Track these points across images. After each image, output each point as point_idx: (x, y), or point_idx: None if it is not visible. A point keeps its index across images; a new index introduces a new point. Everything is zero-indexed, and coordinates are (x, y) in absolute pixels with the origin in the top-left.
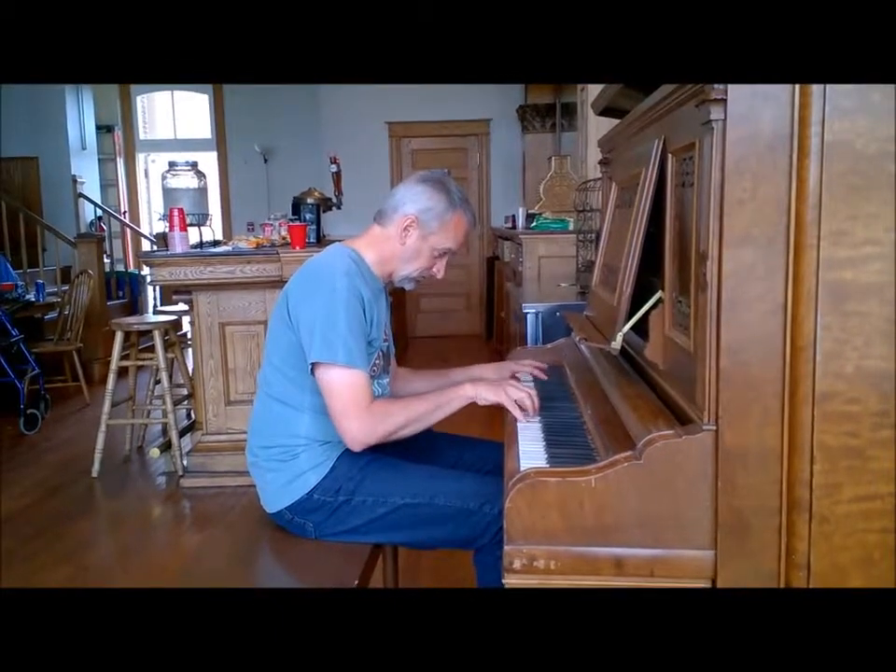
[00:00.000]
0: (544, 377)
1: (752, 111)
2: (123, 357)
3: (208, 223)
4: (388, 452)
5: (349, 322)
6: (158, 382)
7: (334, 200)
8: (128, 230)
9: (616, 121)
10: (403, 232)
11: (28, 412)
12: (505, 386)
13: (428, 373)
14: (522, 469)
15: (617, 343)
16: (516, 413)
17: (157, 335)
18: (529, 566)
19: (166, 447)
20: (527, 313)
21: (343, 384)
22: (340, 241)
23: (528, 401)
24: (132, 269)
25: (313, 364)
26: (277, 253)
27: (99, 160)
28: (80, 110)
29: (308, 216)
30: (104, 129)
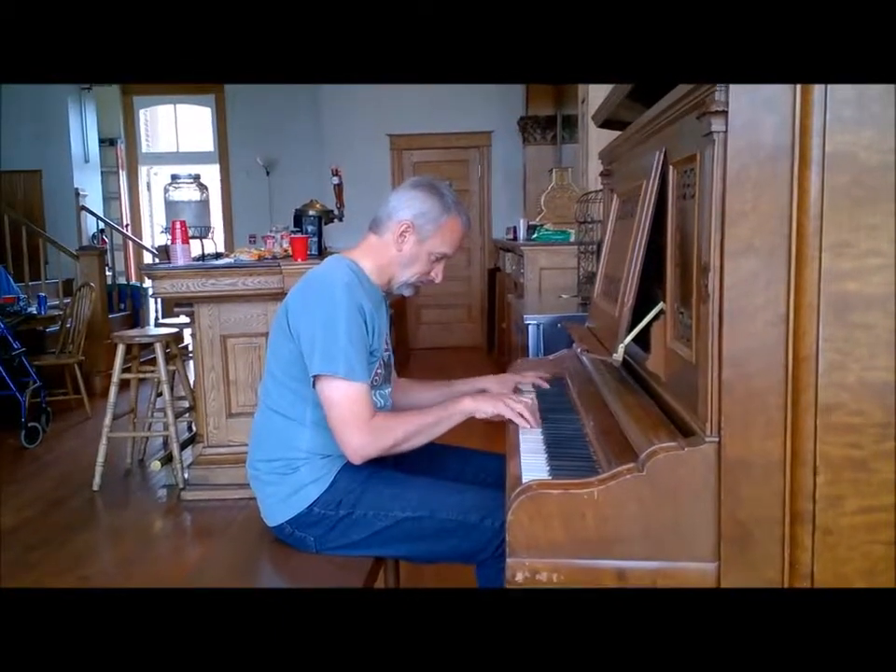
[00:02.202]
0: (546, 385)
1: (753, 122)
2: (125, 370)
3: (210, 235)
4: (389, 465)
5: (349, 333)
6: (159, 394)
7: (336, 212)
8: (130, 242)
9: (617, 133)
10: (399, 238)
11: (29, 425)
12: (504, 398)
13: (430, 384)
14: (524, 481)
15: (619, 355)
16: (519, 420)
17: (158, 348)
18: (532, 578)
19: (167, 460)
20: (529, 324)
21: (344, 396)
22: (339, 253)
23: (527, 412)
24: (133, 281)
25: (314, 377)
26: (279, 265)
27: (101, 173)
28: (83, 123)
29: (310, 228)
30: (106, 142)
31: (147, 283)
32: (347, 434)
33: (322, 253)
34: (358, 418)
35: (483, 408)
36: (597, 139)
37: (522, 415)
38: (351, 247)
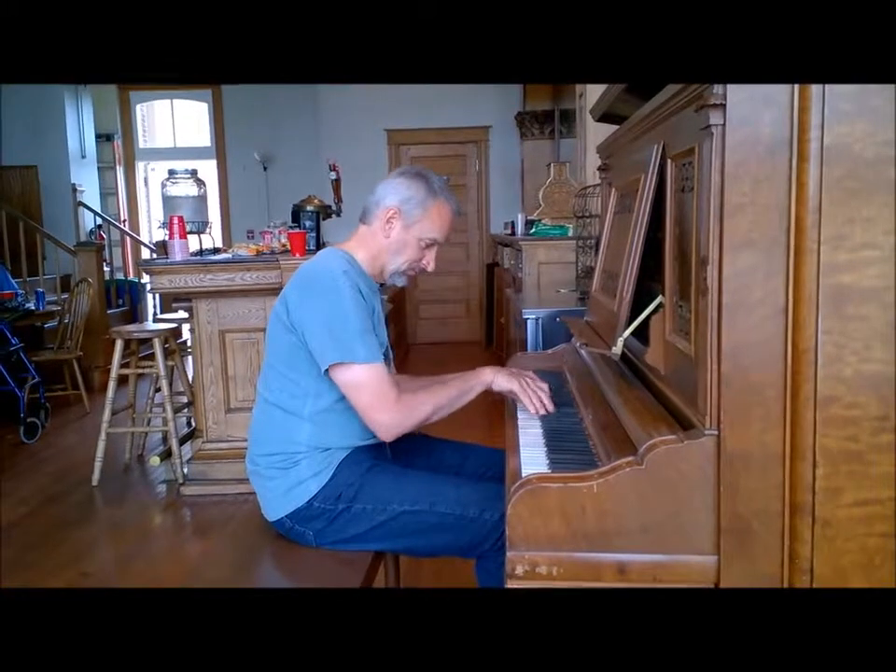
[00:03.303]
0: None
1: (751, 115)
2: (123, 366)
3: (208, 231)
4: (389, 459)
5: (358, 318)
6: (158, 390)
7: (334, 207)
8: (128, 238)
9: (615, 127)
10: (387, 225)
11: (28, 420)
12: (522, 377)
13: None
14: (523, 474)
15: (618, 349)
16: (527, 403)
17: (157, 343)
18: (532, 572)
19: (166, 455)
20: (527, 318)
21: (367, 379)
22: (332, 245)
23: (544, 396)
24: (131, 277)
25: (331, 366)
26: (277, 260)
27: (99, 168)
28: (80, 119)
29: (307, 223)
30: (103, 137)
31: (146, 278)
32: (377, 414)
33: (320, 248)
34: (387, 398)
35: (501, 381)
36: (595, 133)
37: (532, 400)
38: (343, 240)
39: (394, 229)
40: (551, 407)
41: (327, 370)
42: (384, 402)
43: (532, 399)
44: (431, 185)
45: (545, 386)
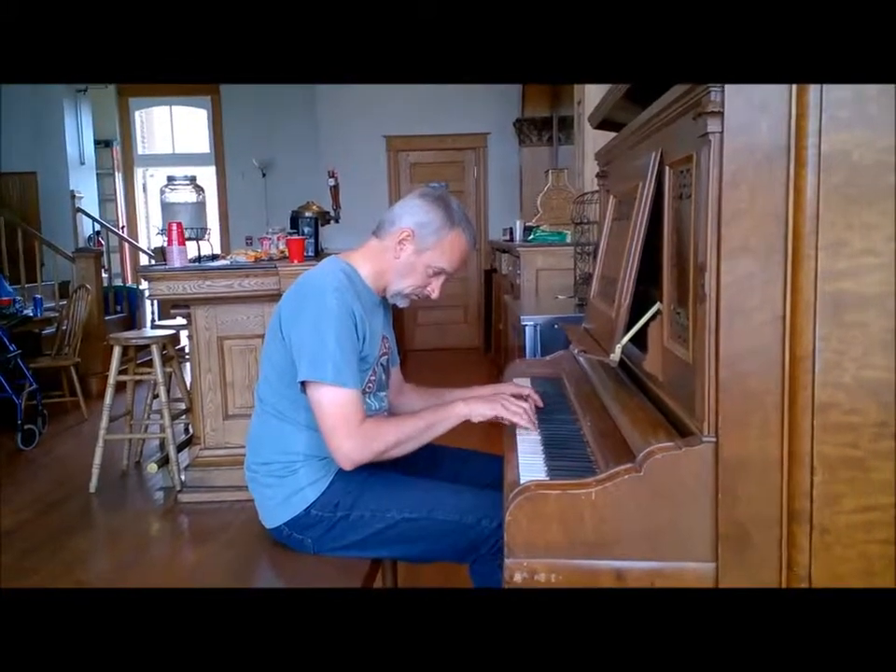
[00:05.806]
0: (541, 405)
1: (749, 123)
2: (121, 372)
3: (206, 237)
4: (387, 467)
5: (339, 339)
6: (156, 396)
7: (332, 213)
8: (126, 244)
9: (613, 134)
10: (398, 246)
11: (25, 427)
12: (500, 400)
13: (427, 391)
14: (522, 481)
15: (616, 355)
16: (517, 420)
17: (155, 349)
18: (530, 579)
19: (164, 462)
20: (525, 325)
21: (333, 402)
22: (337, 254)
23: (525, 415)
24: (130, 283)
25: (302, 382)
26: (275, 267)
27: (97, 174)
28: (79, 125)
29: (306, 229)
30: (102, 144)
31: (144, 285)
32: (337, 440)
33: (318, 255)
34: (348, 424)
35: (479, 410)
36: (593, 140)
37: (522, 418)
38: (352, 249)
39: (404, 251)
40: (534, 417)
41: (302, 386)
42: (344, 428)
43: (521, 418)
44: (451, 213)
45: (525, 405)
